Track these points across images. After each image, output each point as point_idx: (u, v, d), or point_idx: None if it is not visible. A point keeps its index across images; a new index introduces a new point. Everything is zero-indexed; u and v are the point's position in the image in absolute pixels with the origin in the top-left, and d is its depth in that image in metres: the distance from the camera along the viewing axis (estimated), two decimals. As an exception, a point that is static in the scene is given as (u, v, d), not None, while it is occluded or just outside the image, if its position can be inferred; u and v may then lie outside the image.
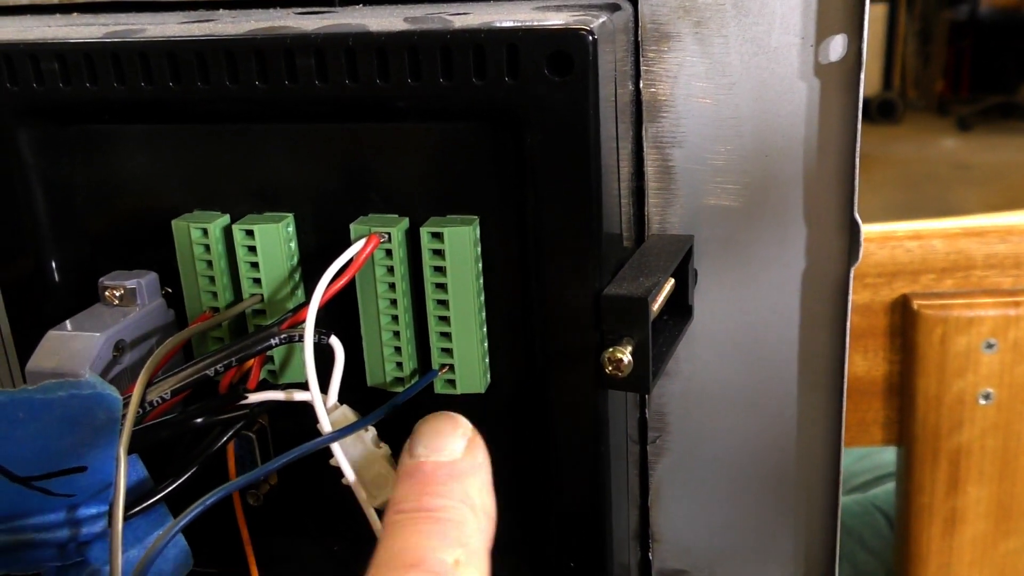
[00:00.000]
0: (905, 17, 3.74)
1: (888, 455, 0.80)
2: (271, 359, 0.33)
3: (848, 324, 0.33)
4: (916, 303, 0.61)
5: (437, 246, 0.30)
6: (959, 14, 3.82)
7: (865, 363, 0.63)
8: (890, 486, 0.79)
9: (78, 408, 0.25)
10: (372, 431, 0.29)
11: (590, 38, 0.27)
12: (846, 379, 0.34)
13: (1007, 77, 3.73)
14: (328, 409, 0.29)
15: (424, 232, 0.30)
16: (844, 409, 0.35)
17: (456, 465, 0.26)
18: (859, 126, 0.31)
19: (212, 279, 0.33)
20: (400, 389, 0.32)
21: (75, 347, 0.31)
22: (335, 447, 0.28)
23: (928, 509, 0.63)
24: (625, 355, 0.28)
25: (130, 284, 0.33)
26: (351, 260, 0.30)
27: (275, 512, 0.36)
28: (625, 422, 0.34)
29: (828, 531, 0.37)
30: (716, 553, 0.38)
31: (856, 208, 0.32)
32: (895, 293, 0.62)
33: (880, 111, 3.64)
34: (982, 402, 0.61)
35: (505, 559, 0.35)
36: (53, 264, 0.34)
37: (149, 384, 0.28)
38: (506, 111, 0.29)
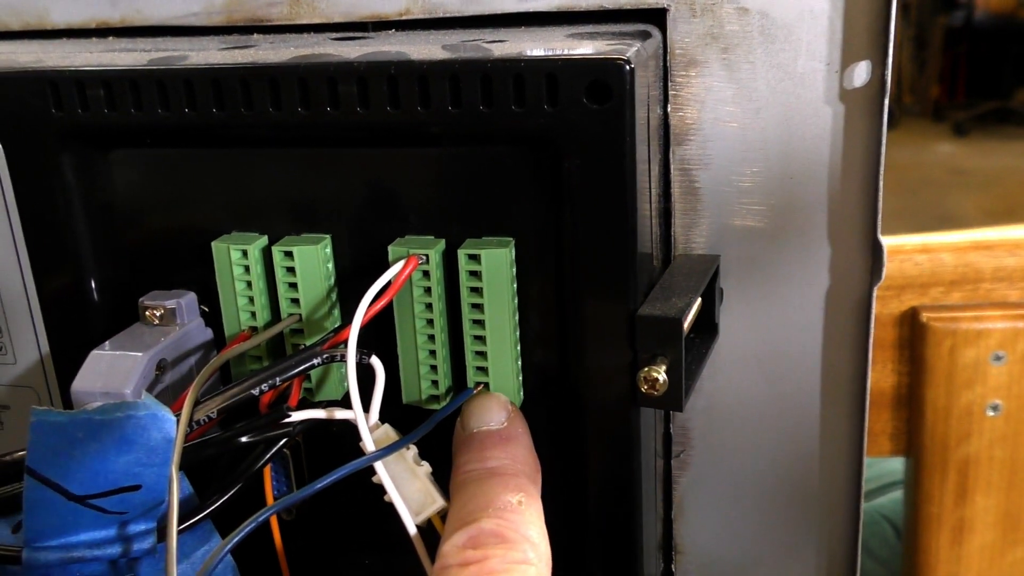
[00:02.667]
0: (900, 23, 3.76)
1: (893, 464, 0.81)
2: (308, 378, 0.34)
3: (871, 341, 0.34)
4: (925, 315, 0.61)
5: (474, 267, 0.31)
6: (954, 20, 3.84)
7: (874, 375, 0.64)
8: (896, 495, 0.80)
9: (134, 429, 0.26)
10: (414, 449, 0.30)
11: (627, 67, 0.28)
12: (868, 394, 0.35)
13: (1002, 82, 3.75)
14: (370, 428, 0.29)
15: (461, 254, 0.31)
16: (866, 423, 0.35)
17: (503, 432, 0.31)
18: (883, 150, 0.32)
19: (251, 299, 0.33)
20: (435, 407, 0.33)
21: (119, 367, 0.31)
22: (378, 466, 0.29)
23: (936, 519, 0.64)
24: (660, 374, 0.29)
25: (170, 304, 0.34)
26: (390, 281, 0.31)
27: (308, 526, 0.37)
28: (653, 437, 0.35)
29: (849, 544, 0.37)
30: (739, 565, 0.39)
31: (879, 229, 0.33)
32: (904, 306, 0.63)
33: (876, 117, 3.64)
34: (990, 413, 0.62)
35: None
36: (93, 284, 0.35)
37: (195, 404, 0.29)
38: (544, 137, 0.30)
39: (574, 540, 0.35)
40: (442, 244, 0.32)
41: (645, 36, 0.32)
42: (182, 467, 0.29)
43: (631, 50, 0.29)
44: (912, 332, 0.62)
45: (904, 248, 0.62)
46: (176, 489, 0.26)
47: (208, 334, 0.35)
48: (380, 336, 0.33)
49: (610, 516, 0.33)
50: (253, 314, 0.33)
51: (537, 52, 0.29)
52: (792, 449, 0.37)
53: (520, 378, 0.33)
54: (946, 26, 3.86)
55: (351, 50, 0.31)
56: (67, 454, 0.25)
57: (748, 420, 0.37)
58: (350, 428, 0.32)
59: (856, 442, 0.36)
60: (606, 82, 0.28)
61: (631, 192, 0.29)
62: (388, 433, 0.30)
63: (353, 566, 0.37)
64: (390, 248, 0.32)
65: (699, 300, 0.32)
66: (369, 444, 0.29)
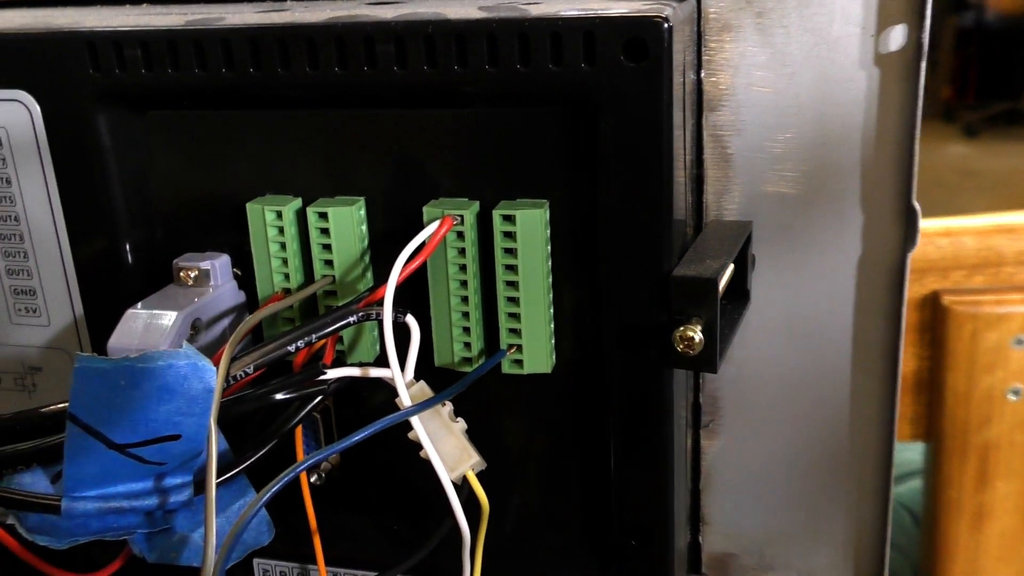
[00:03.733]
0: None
1: (911, 454, 0.80)
2: (340, 340, 0.34)
3: (904, 310, 0.34)
4: (946, 299, 0.61)
5: (509, 228, 0.31)
6: (965, 21, 3.82)
7: (894, 358, 0.64)
8: (914, 484, 0.79)
9: (175, 378, 0.26)
10: (449, 406, 0.30)
11: (665, 25, 0.28)
12: (900, 364, 0.35)
13: (1014, 84, 3.74)
14: (406, 384, 0.30)
15: (496, 215, 0.31)
16: (898, 395, 0.35)
17: None
18: (919, 115, 0.32)
19: (285, 261, 0.33)
20: (467, 369, 0.33)
21: (155, 325, 0.32)
22: (415, 420, 0.29)
23: (956, 504, 0.64)
24: (697, 333, 0.29)
25: (204, 265, 0.34)
26: (425, 242, 0.31)
27: (336, 491, 0.37)
28: (684, 406, 0.35)
29: (879, 516, 0.37)
30: (766, 537, 0.39)
31: (914, 195, 0.33)
32: (925, 289, 0.63)
33: (888, 117, 3.63)
34: (1011, 398, 0.62)
35: (566, 537, 0.36)
36: (127, 246, 0.35)
37: (232, 359, 0.29)
38: (581, 97, 0.30)
39: (603, 509, 0.35)
40: (476, 206, 0.32)
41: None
42: (218, 421, 0.29)
43: (668, 9, 0.29)
44: (933, 315, 0.62)
45: (926, 231, 0.61)
46: (215, 440, 0.27)
47: (241, 296, 0.35)
48: (413, 298, 0.33)
49: (640, 485, 0.33)
50: (287, 276, 0.34)
51: (573, 11, 0.29)
52: (822, 419, 0.37)
53: (553, 341, 0.33)
54: (957, 27, 3.85)
55: (387, 11, 0.31)
56: (109, 401, 0.25)
57: (778, 390, 0.37)
58: (381, 390, 0.32)
59: (887, 413, 0.36)
60: (644, 40, 0.28)
61: (667, 150, 0.30)
62: (424, 390, 0.30)
63: (380, 531, 0.37)
64: (425, 209, 0.32)
65: (732, 265, 0.32)
66: (406, 399, 0.29)
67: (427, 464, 0.30)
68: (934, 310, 0.62)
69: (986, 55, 3.78)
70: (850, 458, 0.37)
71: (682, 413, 0.35)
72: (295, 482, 0.34)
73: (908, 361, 0.64)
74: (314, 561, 0.35)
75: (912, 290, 0.64)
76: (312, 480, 0.36)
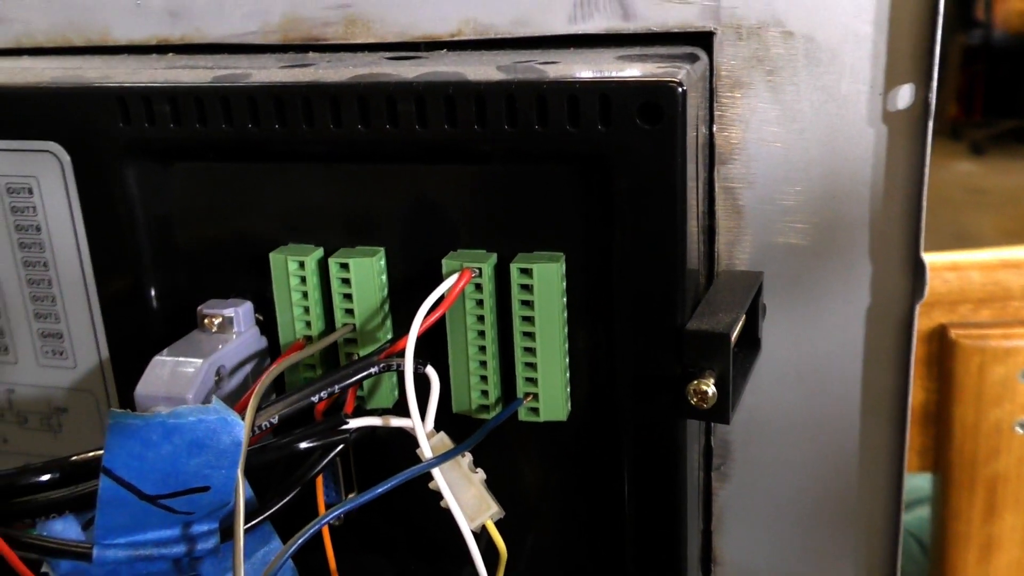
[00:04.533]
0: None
1: (919, 481, 0.81)
2: (360, 387, 0.35)
3: (912, 359, 0.35)
4: (954, 333, 0.62)
5: (526, 281, 0.32)
6: (972, 39, 3.83)
7: (902, 391, 0.64)
8: (922, 512, 0.80)
9: (205, 432, 0.27)
10: (469, 457, 0.31)
11: (679, 90, 0.29)
12: (909, 412, 0.36)
13: (1020, 102, 3.74)
14: (427, 435, 0.30)
15: (514, 268, 0.32)
16: (907, 441, 0.36)
17: None
18: (927, 171, 0.33)
19: (307, 309, 0.34)
20: (484, 416, 0.34)
21: (180, 373, 0.32)
22: (436, 472, 0.29)
23: (964, 536, 0.65)
24: (710, 387, 0.30)
25: (228, 312, 0.35)
26: (445, 294, 0.32)
27: (354, 531, 0.38)
28: (696, 449, 0.36)
29: (888, 559, 0.38)
30: (776, 576, 0.40)
31: (922, 248, 0.34)
32: (932, 323, 0.63)
33: (895, 135, 3.64)
34: (1019, 431, 0.62)
35: (581, 580, 0.36)
36: (152, 291, 0.36)
37: (256, 410, 0.30)
38: (596, 156, 0.31)
39: (616, 553, 0.35)
40: (494, 258, 0.33)
41: (693, 59, 0.32)
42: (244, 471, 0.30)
43: (681, 72, 0.30)
44: (941, 349, 0.63)
45: (933, 266, 0.62)
46: (242, 491, 0.27)
47: (263, 343, 0.36)
48: (431, 347, 0.34)
49: (654, 529, 0.34)
50: (308, 323, 0.34)
51: (589, 74, 0.30)
52: (832, 464, 0.37)
53: (568, 390, 0.34)
54: (964, 45, 3.85)
55: (407, 70, 0.32)
56: (141, 455, 0.26)
57: (788, 435, 0.37)
58: (399, 437, 0.33)
59: (896, 459, 0.37)
60: (658, 103, 0.29)
61: (681, 210, 0.30)
62: (444, 441, 0.31)
63: (397, 572, 0.38)
64: (444, 261, 0.33)
65: (744, 316, 0.33)
66: (427, 451, 0.30)
67: (446, 511, 0.31)
68: (941, 343, 0.63)
69: (993, 73, 3.78)
70: (859, 500, 0.38)
71: (694, 456, 0.36)
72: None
73: (916, 394, 0.64)
74: (333, 602, 0.35)
75: (920, 323, 0.64)
76: (333, 523, 0.37)
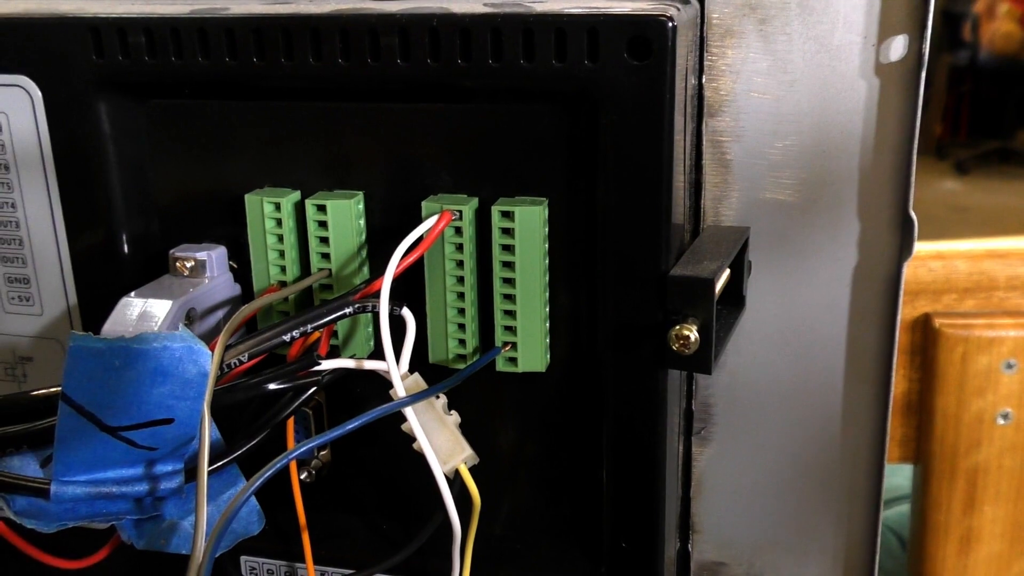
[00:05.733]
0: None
1: (899, 479, 0.80)
2: (335, 333, 0.34)
3: (899, 319, 0.34)
4: (938, 322, 0.62)
5: (507, 225, 0.31)
6: (959, 59, 3.86)
7: (885, 380, 0.64)
8: (902, 508, 0.79)
9: (170, 360, 0.26)
10: (443, 399, 0.30)
11: (669, 25, 0.29)
12: (893, 374, 0.35)
13: (1005, 123, 3.77)
14: (400, 376, 0.29)
15: (495, 211, 0.31)
16: (891, 404, 0.35)
17: None
18: (917, 125, 0.33)
19: (282, 253, 0.33)
20: (461, 366, 0.33)
21: (149, 313, 0.31)
22: (408, 411, 0.28)
23: (944, 527, 0.64)
24: (692, 332, 0.29)
25: (200, 256, 0.34)
26: (423, 236, 0.31)
27: (325, 489, 0.37)
28: (676, 413, 0.35)
29: (869, 527, 0.37)
30: (756, 546, 0.39)
31: (911, 204, 0.33)
32: (916, 312, 0.63)
33: (880, 152, 3.66)
34: (1000, 422, 0.62)
35: (556, 538, 0.36)
36: (124, 236, 0.35)
37: (226, 347, 0.29)
38: (582, 94, 0.30)
39: (594, 510, 0.35)
40: (475, 202, 0.32)
41: (684, 2, 0.32)
42: (212, 410, 0.29)
43: (672, 10, 0.29)
44: (924, 338, 0.62)
45: (918, 254, 0.62)
46: (207, 425, 0.26)
47: (237, 289, 0.35)
48: (409, 294, 0.33)
49: (634, 482, 0.33)
50: (283, 268, 0.33)
51: (578, 8, 0.29)
52: (815, 428, 0.37)
53: (548, 340, 0.33)
54: (950, 65, 3.88)
55: (392, 5, 0.31)
56: (102, 382, 0.25)
57: (771, 397, 0.37)
58: (375, 385, 0.32)
59: (879, 424, 0.36)
60: (647, 38, 0.29)
61: (668, 151, 0.30)
62: (418, 381, 0.30)
63: (369, 530, 0.37)
64: (423, 203, 0.32)
65: (728, 269, 0.32)
66: (400, 390, 0.29)
67: (418, 463, 0.30)
68: (925, 332, 0.62)
69: (978, 94, 3.81)
70: (841, 468, 0.37)
71: (675, 419, 0.35)
72: (285, 480, 0.33)
73: (898, 383, 0.64)
74: (302, 559, 0.34)
75: (904, 312, 0.64)
76: (302, 477, 0.36)
